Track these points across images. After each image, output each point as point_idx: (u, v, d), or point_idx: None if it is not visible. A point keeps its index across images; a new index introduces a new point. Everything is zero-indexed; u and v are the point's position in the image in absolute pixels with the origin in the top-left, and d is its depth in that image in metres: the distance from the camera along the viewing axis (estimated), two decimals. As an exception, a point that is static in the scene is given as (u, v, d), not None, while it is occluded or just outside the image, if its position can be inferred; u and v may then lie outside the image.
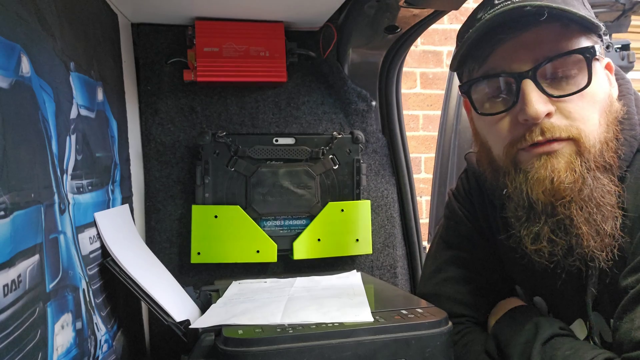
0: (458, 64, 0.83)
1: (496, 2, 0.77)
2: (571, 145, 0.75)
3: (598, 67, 0.77)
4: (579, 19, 0.73)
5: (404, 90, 2.73)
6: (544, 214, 0.76)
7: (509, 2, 0.74)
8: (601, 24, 0.76)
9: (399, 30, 1.25)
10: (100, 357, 0.84)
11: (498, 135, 0.79)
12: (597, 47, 0.76)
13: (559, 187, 0.73)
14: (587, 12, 0.77)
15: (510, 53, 0.76)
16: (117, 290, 0.95)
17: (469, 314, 0.92)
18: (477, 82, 0.80)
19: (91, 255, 0.86)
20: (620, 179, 0.76)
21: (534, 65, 0.74)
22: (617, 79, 0.83)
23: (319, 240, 1.30)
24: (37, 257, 0.64)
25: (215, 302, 0.92)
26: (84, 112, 0.86)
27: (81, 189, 0.84)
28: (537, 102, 0.73)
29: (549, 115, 0.74)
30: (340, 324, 0.74)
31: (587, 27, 0.76)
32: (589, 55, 0.74)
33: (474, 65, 0.80)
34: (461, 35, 0.83)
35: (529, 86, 0.74)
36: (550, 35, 0.75)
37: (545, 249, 0.76)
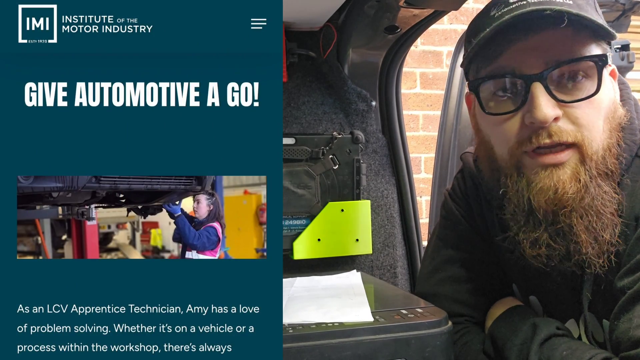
0: (469, 62, 0.82)
1: (511, 0, 0.76)
2: (575, 152, 0.75)
3: (605, 74, 0.77)
4: (595, 27, 0.73)
5: (404, 90, 2.73)
6: (544, 221, 0.76)
7: (524, 2, 0.74)
8: (614, 32, 0.76)
9: (399, 30, 1.25)
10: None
11: (503, 135, 0.79)
12: (607, 54, 0.76)
13: (562, 197, 0.74)
14: (601, 20, 0.76)
15: (521, 54, 0.76)
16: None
17: (467, 314, 0.92)
18: (486, 80, 0.79)
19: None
20: (619, 183, 0.77)
21: (544, 69, 0.74)
22: (617, 84, 0.83)
23: (319, 240, 1.30)
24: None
25: (215, 302, 0.92)
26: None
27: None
28: (546, 106, 0.73)
29: (556, 119, 0.74)
30: (340, 324, 0.74)
31: (599, 34, 0.75)
32: (601, 63, 0.74)
33: (483, 63, 0.80)
34: (472, 31, 0.82)
35: (539, 89, 0.74)
36: (562, 40, 0.74)
37: (543, 254, 0.77)
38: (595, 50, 0.76)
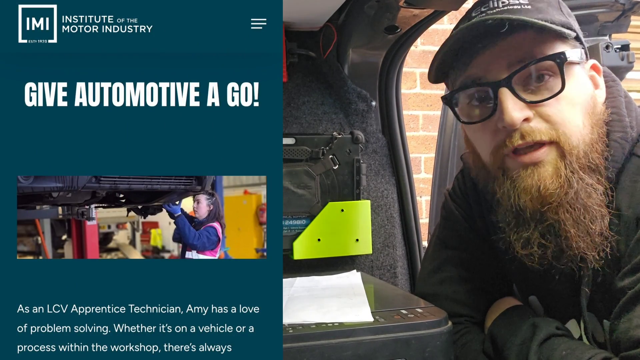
0: (435, 76, 0.85)
1: (473, 14, 0.79)
2: (554, 149, 0.76)
3: (577, 70, 0.78)
4: (540, 28, 0.74)
5: (404, 90, 2.73)
6: (533, 220, 0.77)
7: (482, 14, 0.76)
8: (572, 30, 0.77)
9: (399, 30, 1.25)
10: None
11: (483, 141, 0.81)
12: (572, 51, 0.76)
13: (545, 194, 0.75)
14: (562, 18, 0.77)
15: (487, 62, 0.78)
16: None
17: (467, 314, 0.92)
18: (457, 92, 0.82)
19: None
20: (611, 180, 0.77)
21: (509, 73, 0.76)
22: (606, 81, 0.84)
23: (319, 240, 1.30)
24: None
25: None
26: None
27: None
28: (513, 109, 0.75)
29: (527, 120, 0.75)
30: (340, 324, 0.74)
31: (562, 33, 0.76)
32: (559, 60, 0.75)
33: (455, 76, 0.82)
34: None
35: (505, 94, 0.75)
36: (526, 42, 0.76)
37: (535, 253, 0.77)
38: (560, 48, 0.77)
